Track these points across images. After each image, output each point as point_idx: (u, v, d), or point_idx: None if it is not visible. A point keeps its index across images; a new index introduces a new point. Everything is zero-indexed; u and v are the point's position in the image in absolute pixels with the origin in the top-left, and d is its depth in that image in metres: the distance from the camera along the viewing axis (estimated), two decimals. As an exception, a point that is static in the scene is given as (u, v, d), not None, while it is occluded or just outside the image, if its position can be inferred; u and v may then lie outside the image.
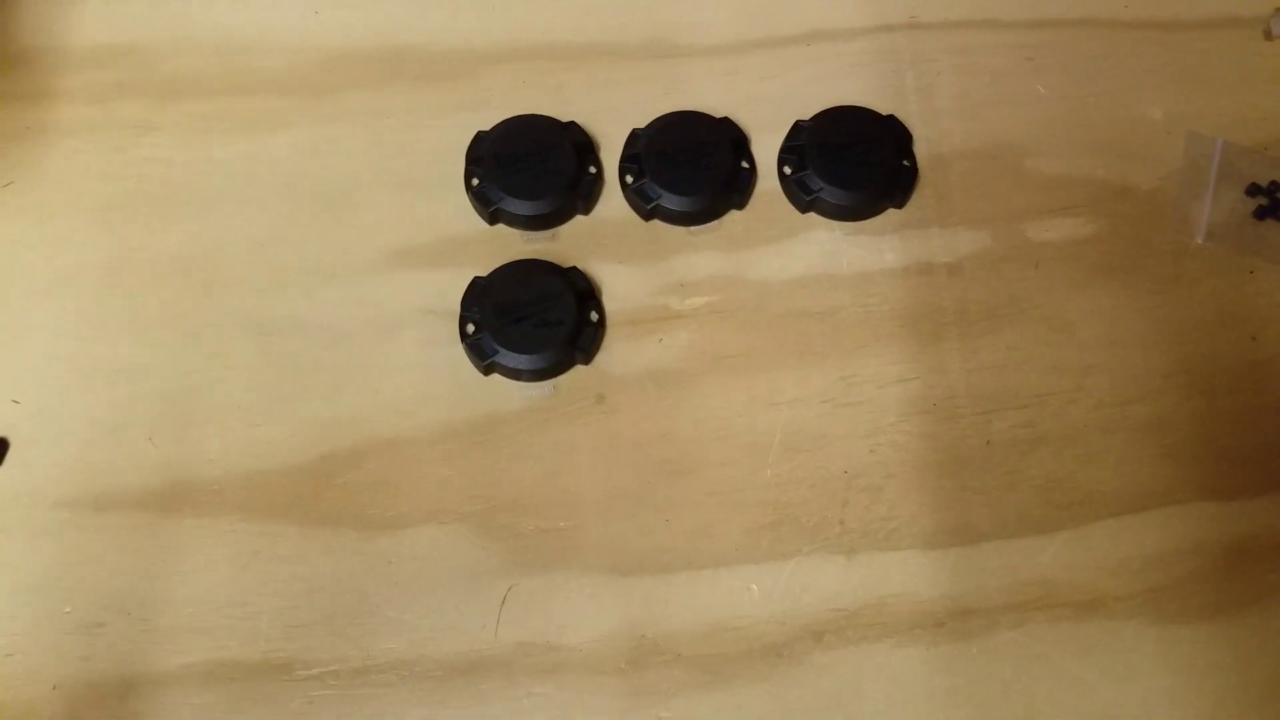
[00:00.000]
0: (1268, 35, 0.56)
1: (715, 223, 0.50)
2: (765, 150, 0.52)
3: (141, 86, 0.52)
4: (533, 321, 0.46)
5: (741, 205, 0.51)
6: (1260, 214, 0.51)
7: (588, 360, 0.47)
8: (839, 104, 0.52)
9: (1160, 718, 0.42)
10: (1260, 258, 0.50)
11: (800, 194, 0.50)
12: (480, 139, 0.50)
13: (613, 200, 0.51)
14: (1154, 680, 0.42)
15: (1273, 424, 0.47)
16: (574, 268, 0.48)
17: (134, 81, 0.52)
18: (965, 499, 0.45)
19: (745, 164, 0.51)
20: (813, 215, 0.50)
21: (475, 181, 0.49)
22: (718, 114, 0.52)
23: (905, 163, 0.51)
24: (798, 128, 0.51)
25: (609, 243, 0.50)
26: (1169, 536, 0.45)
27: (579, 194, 0.49)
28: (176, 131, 0.51)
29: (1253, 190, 0.51)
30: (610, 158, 0.51)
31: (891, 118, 0.52)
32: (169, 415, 0.45)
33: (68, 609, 0.42)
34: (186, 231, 0.49)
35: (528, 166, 0.49)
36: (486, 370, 0.46)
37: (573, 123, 0.51)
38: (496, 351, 0.46)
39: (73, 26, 0.53)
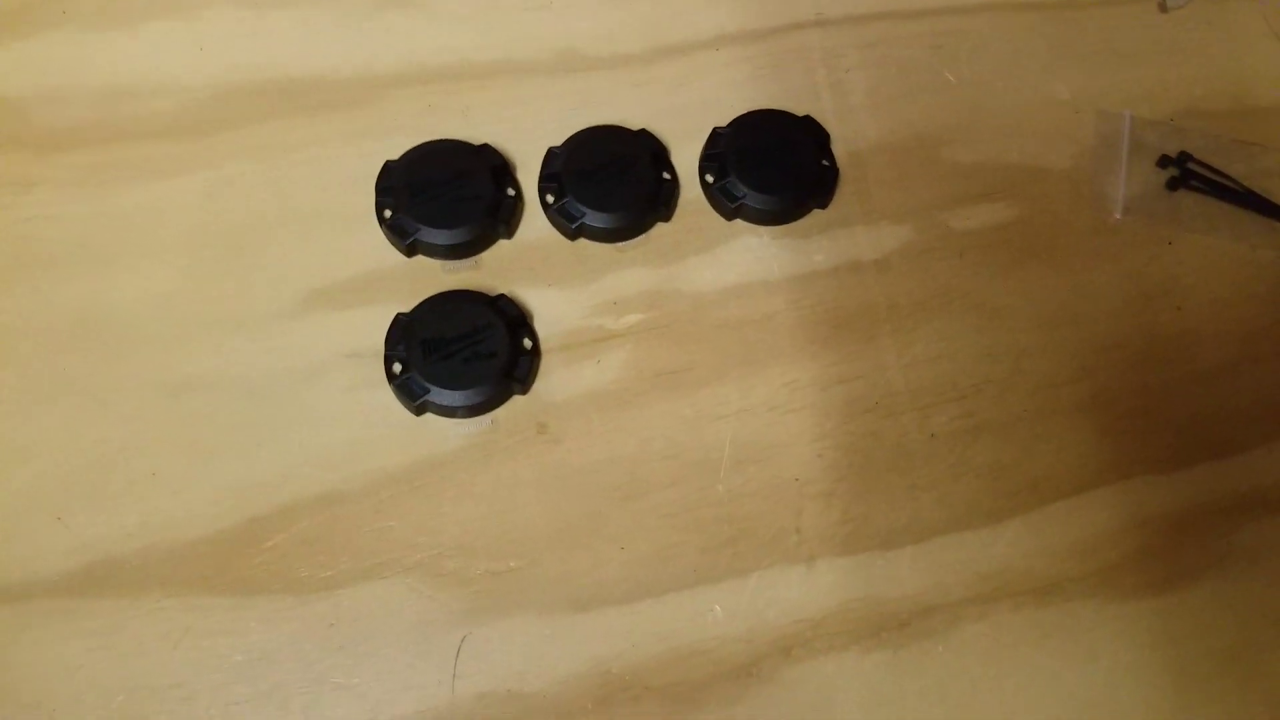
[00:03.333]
0: (1162, 8, 0.57)
1: (643, 237, 0.49)
2: (685, 160, 0.51)
3: (17, 141, 0.48)
4: (463, 355, 0.44)
5: (668, 217, 0.49)
6: (1172, 185, 0.52)
7: (525, 390, 0.45)
8: (754, 108, 0.52)
9: (1126, 694, 0.42)
10: (1177, 228, 0.51)
11: (725, 201, 0.49)
12: (389, 168, 0.48)
13: (535, 222, 0.49)
14: (1117, 658, 0.42)
15: (1205, 391, 0.48)
16: (502, 295, 0.46)
17: (9, 136, 0.48)
18: (915, 495, 0.45)
19: (667, 175, 0.50)
20: (739, 222, 0.50)
21: (388, 213, 0.47)
22: (633, 126, 0.51)
23: (825, 163, 0.50)
24: (716, 135, 0.51)
25: (535, 266, 0.48)
26: (1117, 514, 0.45)
27: (499, 218, 0.48)
28: (61, 186, 0.47)
29: (1163, 162, 0.52)
30: (528, 178, 0.50)
31: (808, 118, 0.51)
32: (79, 491, 0.42)
33: (-16, 713, 0.38)
34: (82, 291, 0.46)
35: (443, 194, 0.47)
36: (419, 410, 0.44)
37: (486, 145, 0.49)
38: (428, 390, 0.44)
39: (-65, 81, 0.49)
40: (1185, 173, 0.52)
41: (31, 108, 0.49)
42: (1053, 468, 0.46)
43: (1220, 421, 0.47)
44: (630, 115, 0.51)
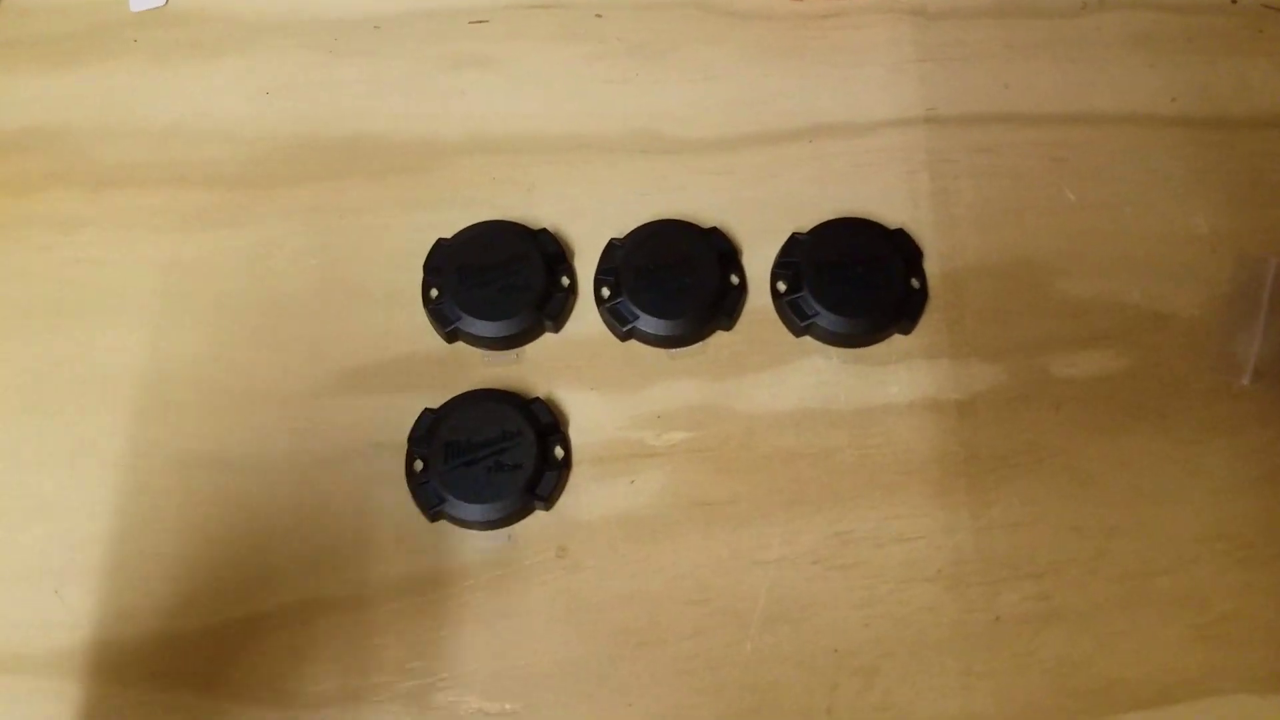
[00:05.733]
0: (1330, 134, 0.50)
1: (700, 345, 0.45)
2: (759, 262, 0.46)
3: (70, 177, 0.47)
4: (487, 464, 0.41)
5: (730, 326, 0.45)
6: (1316, 349, 0.45)
7: (549, 506, 0.42)
8: (843, 209, 0.47)
9: None
10: (1315, 402, 0.44)
11: (794, 317, 0.45)
12: (440, 247, 0.45)
13: (587, 316, 0.45)
14: None
15: (1324, 604, 0.41)
16: (537, 399, 0.43)
17: (64, 170, 0.47)
18: (969, 685, 0.40)
19: (735, 278, 0.46)
20: (808, 340, 0.45)
21: (434, 294, 0.44)
22: (706, 220, 0.46)
23: (914, 283, 0.45)
24: (793, 241, 0.46)
25: (580, 365, 0.44)
26: (1201, 736, 0.39)
27: (547, 312, 0.44)
28: (109, 228, 0.46)
29: (1308, 321, 0.45)
30: (586, 266, 0.46)
31: (900, 232, 0.46)
32: (81, 563, 0.40)
33: (-48, 793, 0.37)
34: (116, 347, 0.44)
35: (492, 280, 0.44)
36: (433, 517, 0.41)
37: (544, 230, 0.45)
38: (444, 499, 0.41)
39: None
40: (1335, 337, 0.45)
41: (88, 141, 0.48)
42: (1132, 671, 0.40)
43: (1340, 644, 0.41)
44: (705, 206, 0.47)
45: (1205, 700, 0.40)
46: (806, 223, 0.47)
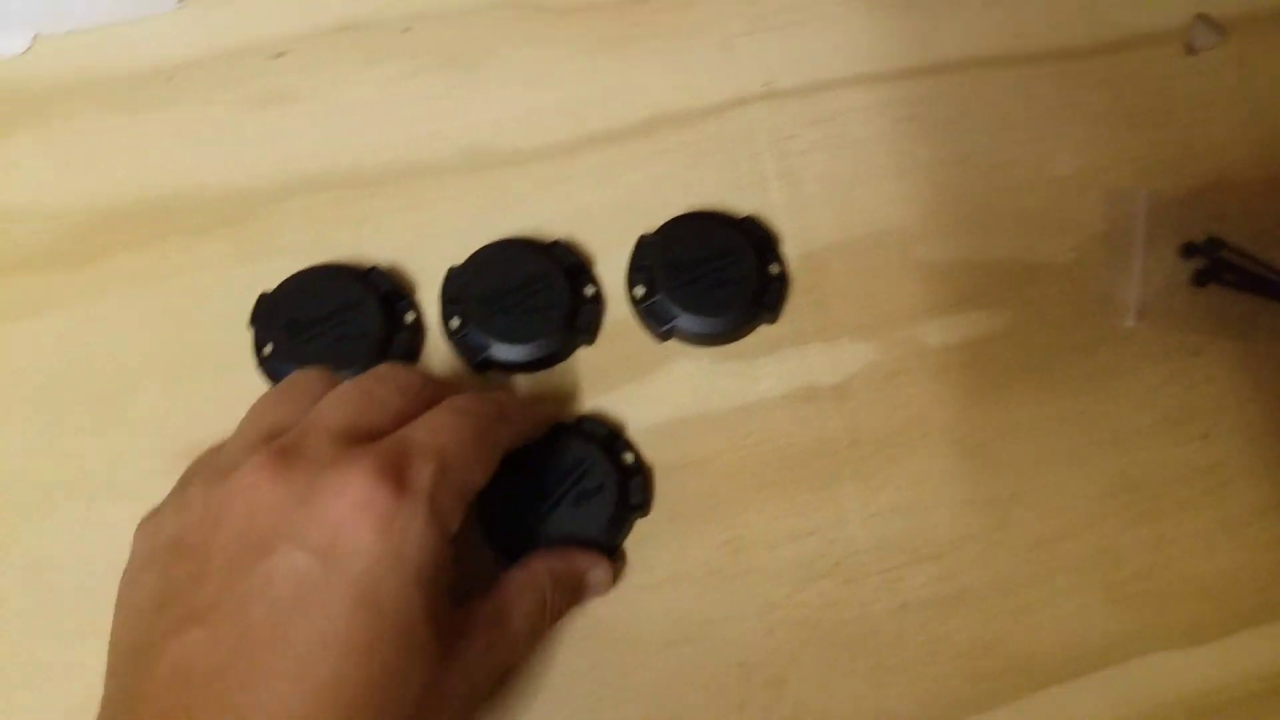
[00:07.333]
0: (1190, 49, 0.48)
1: (561, 366, 0.42)
2: (614, 268, 0.44)
3: None
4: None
5: (591, 341, 0.43)
6: (1200, 279, 0.43)
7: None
8: (692, 202, 0.44)
9: None
10: (1205, 334, 0.43)
11: (655, 323, 0.42)
12: (264, 301, 0.42)
13: (440, 351, 0.43)
14: None
15: (1236, 543, 0.39)
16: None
17: None
18: (881, 680, 0.38)
19: (590, 290, 0.43)
20: (674, 343, 0.43)
21: (266, 352, 0.41)
22: (552, 233, 0.44)
23: (773, 268, 0.43)
24: (642, 244, 0.43)
25: (434, 407, 0.42)
26: (1126, 700, 0.37)
27: (391, 356, 0.41)
28: (-89, 332, 0.42)
29: (1188, 251, 0.44)
30: (432, 298, 0.43)
31: (749, 220, 0.44)
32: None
33: None
34: (-71, 456, 0.41)
35: (324, 330, 0.41)
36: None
37: (374, 268, 0.43)
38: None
39: None
40: (1216, 263, 0.43)
41: (-120, 240, 0.44)
42: (1047, 645, 0.38)
43: (1253, 582, 0.39)
44: (549, 218, 0.44)
45: (1126, 664, 0.38)
46: (656, 221, 0.44)
